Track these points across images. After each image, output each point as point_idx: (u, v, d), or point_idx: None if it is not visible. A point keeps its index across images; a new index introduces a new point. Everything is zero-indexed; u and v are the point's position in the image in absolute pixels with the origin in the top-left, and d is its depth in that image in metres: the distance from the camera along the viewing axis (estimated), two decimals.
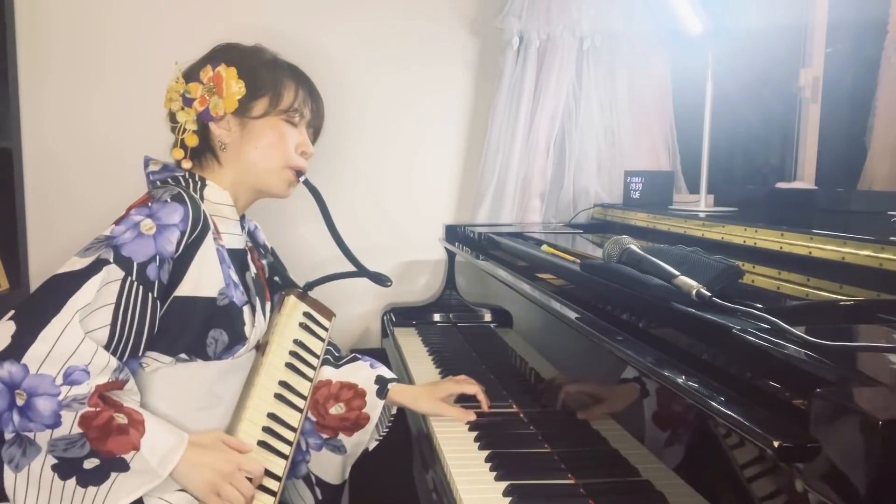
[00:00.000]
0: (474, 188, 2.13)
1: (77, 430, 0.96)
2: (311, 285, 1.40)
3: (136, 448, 0.99)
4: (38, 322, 0.96)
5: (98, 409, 0.97)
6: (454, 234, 2.00)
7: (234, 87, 1.17)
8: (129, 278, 1.02)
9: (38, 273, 1.91)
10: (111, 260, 1.02)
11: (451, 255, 2.03)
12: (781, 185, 1.99)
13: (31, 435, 0.95)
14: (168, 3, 1.93)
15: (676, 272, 0.88)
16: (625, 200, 1.94)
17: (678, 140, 2.14)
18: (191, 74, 1.20)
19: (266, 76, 1.21)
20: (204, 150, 1.21)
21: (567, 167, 2.07)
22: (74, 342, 0.96)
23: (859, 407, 0.53)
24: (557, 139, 2.06)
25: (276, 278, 1.39)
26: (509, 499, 0.98)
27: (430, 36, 2.10)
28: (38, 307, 0.98)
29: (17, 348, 0.94)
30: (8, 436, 0.96)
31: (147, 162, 1.21)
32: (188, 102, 1.18)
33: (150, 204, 1.08)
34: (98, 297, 1.00)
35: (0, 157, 1.84)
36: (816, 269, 1.03)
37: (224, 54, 1.21)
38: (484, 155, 2.09)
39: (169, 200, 1.08)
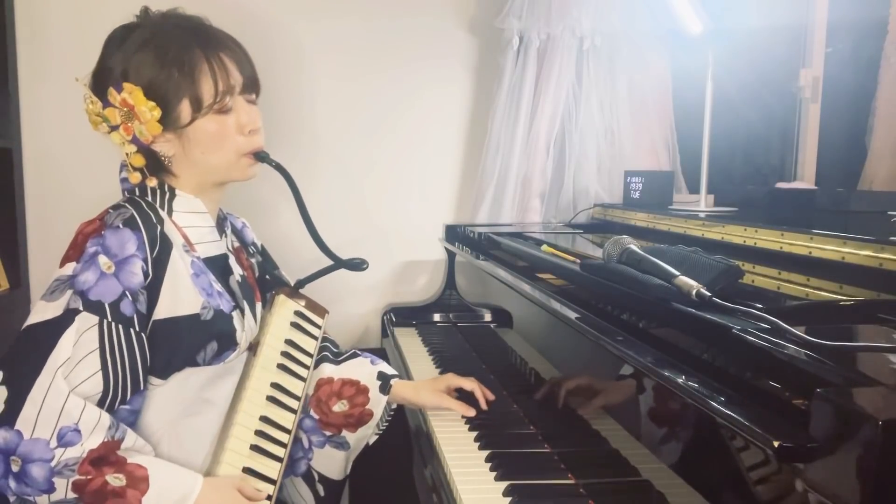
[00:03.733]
0: (474, 188, 2.13)
1: (72, 495, 0.95)
2: (302, 283, 1.37)
3: None
4: (24, 384, 0.94)
5: (89, 477, 0.95)
6: (454, 234, 2.00)
7: (149, 113, 1.06)
8: (105, 320, 1.00)
9: (38, 273, 1.92)
10: (81, 308, 0.99)
11: (451, 255, 2.03)
12: (781, 185, 1.99)
13: (30, 499, 0.95)
14: (168, 3, 1.93)
15: (676, 272, 0.88)
16: (625, 200, 1.94)
17: (678, 140, 2.14)
18: (100, 90, 1.09)
19: (175, 78, 1.07)
20: (155, 166, 1.15)
21: (567, 167, 2.07)
22: (60, 401, 0.94)
23: (859, 407, 0.53)
24: (557, 139, 2.07)
25: (267, 277, 1.36)
26: (509, 499, 0.98)
27: (430, 36, 2.10)
28: (21, 366, 0.96)
29: (10, 414, 0.93)
30: (11, 498, 0.96)
31: (122, 168, 1.16)
32: (114, 128, 1.09)
33: (103, 232, 1.04)
34: (78, 349, 0.98)
35: (0, 157, 1.84)
36: (816, 269, 1.03)
37: (122, 63, 1.08)
38: (484, 155, 2.09)
39: (121, 226, 1.04)
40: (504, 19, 2.02)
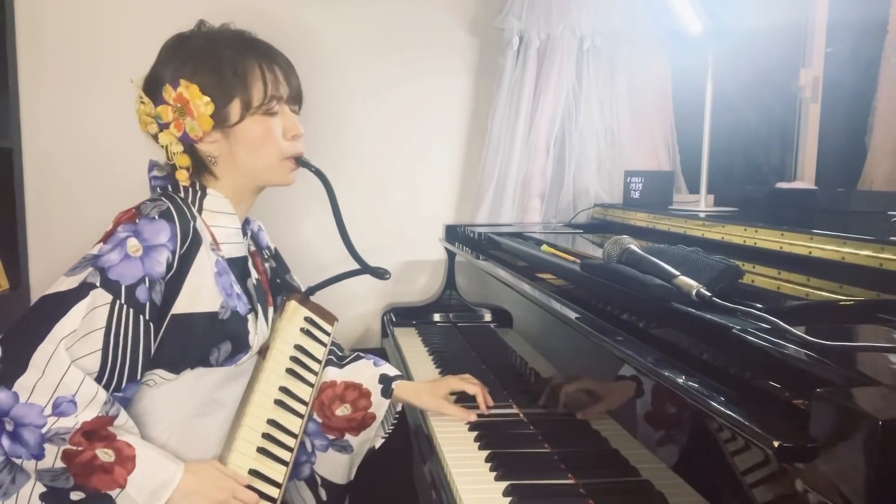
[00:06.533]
0: (474, 188, 2.13)
1: (60, 464, 0.96)
2: (313, 290, 1.38)
3: (121, 486, 0.98)
4: (27, 349, 0.96)
5: (80, 448, 0.96)
6: (454, 234, 2.00)
7: (203, 108, 1.10)
8: (118, 301, 1.00)
9: (38, 273, 1.91)
10: (98, 284, 1.00)
11: (451, 255, 2.03)
12: (781, 185, 1.99)
13: (19, 462, 0.97)
14: (168, 2, 1.93)
15: (676, 272, 0.88)
16: (625, 200, 1.94)
17: (678, 140, 2.14)
18: (153, 92, 1.13)
19: (229, 78, 1.12)
20: (198, 167, 1.17)
21: (567, 167, 2.07)
22: (60, 371, 0.96)
23: (859, 407, 0.53)
24: (557, 139, 2.07)
25: (279, 281, 1.37)
26: (509, 499, 0.98)
27: (430, 36, 2.10)
28: (26, 332, 0.97)
29: (8, 375, 0.94)
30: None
31: (151, 167, 1.18)
32: (164, 126, 1.12)
33: (137, 220, 1.05)
34: (85, 323, 0.99)
35: (0, 157, 1.84)
36: (816, 269, 1.03)
37: (178, 66, 1.12)
38: (484, 155, 2.09)
39: (157, 217, 1.06)
40: (504, 19, 2.02)
